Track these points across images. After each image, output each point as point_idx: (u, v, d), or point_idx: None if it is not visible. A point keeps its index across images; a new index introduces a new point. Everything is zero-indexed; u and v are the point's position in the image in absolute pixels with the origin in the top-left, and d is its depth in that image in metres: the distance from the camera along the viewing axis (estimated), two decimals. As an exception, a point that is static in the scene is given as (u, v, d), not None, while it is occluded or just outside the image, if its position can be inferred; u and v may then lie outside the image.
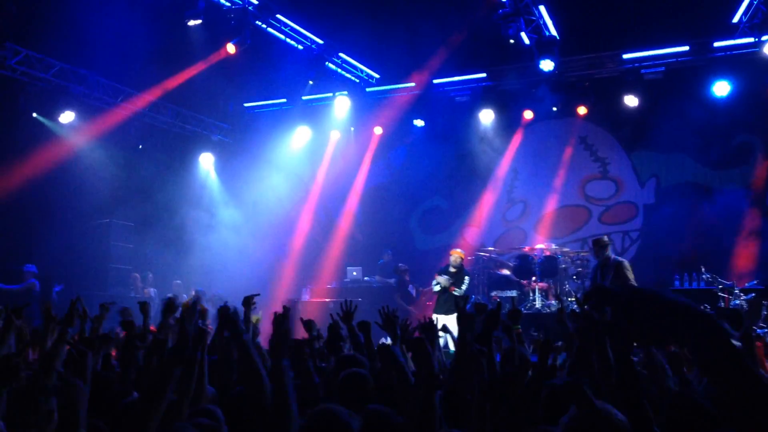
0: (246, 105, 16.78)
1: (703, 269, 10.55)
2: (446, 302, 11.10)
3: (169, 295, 5.76)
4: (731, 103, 12.91)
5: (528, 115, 14.74)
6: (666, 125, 13.32)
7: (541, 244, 13.55)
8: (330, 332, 5.09)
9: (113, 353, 5.25)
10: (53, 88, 13.05)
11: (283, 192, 16.09)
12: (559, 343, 5.58)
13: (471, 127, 15.17)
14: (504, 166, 15.68)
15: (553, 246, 13.45)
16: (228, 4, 13.16)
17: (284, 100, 16.23)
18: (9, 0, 11.09)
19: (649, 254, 13.66)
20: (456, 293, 11.32)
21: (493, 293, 13.12)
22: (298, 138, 16.15)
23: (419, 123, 15.49)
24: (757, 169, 13.51)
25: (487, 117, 14.82)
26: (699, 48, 13.06)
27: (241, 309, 6.12)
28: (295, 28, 14.10)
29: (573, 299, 12.43)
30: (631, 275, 9.25)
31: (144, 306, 5.46)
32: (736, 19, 12.32)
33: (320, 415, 2.63)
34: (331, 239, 16.43)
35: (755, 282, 10.43)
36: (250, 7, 13.20)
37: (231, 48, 13.34)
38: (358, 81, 15.70)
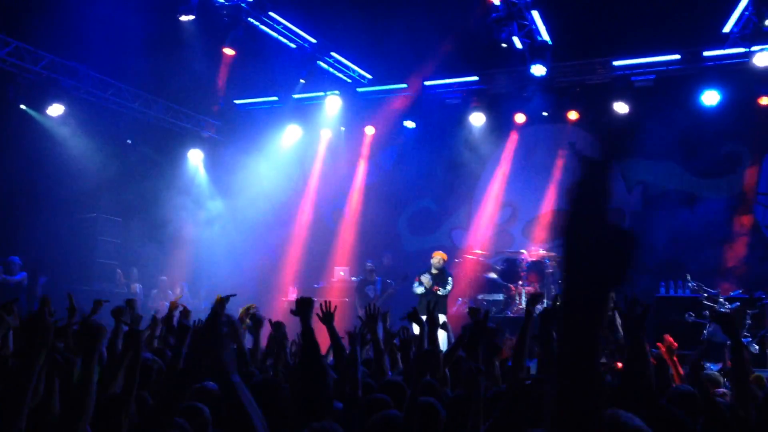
0: (236, 102, 16.72)
1: (688, 277, 10.63)
2: (428, 303, 11.12)
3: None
4: (720, 113, 13.00)
5: (519, 119, 14.78)
6: (654, 133, 13.40)
7: (527, 249, 13.59)
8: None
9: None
10: (43, 80, 12.97)
11: (271, 190, 16.04)
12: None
13: (461, 130, 15.20)
14: (493, 169, 15.73)
15: (541, 250, 13.51)
16: (221, 0, 13.11)
17: (275, 98, 16.20)
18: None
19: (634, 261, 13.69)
20: (440, 293, 11.40)
21: (480, 296, 13.17)
22: (288, 136, 16.11)
23: (410, 124, 15.51)
24: (744, 178, 13.63)
25: (477, 120, 14.86)
26: (689, 57, 13.13)
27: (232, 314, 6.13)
28: (288, 27, 14.06)
29: (558, 303, 12.49)
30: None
31: (131, 303, 5.44)
32: (727, 29, 12.40)
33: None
34: (320, 239, 16.41)
35: (740, 291, 10.51)
36: (243, 4, 13.15)
37: (229, 51, 13.34)
38: (349, 81, 15.69)
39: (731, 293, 10.31)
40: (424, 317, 10.49)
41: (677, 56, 13.22)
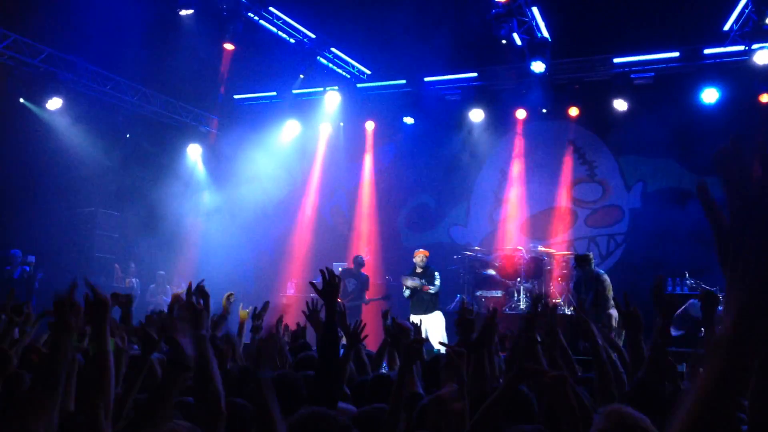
0: (236, 97, 16.69)
1: (686, 275, 10.63)
2: (421, 302, 11.23)
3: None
4: (719, 111, 13.00)
5: (518, 116, 14.77)
6: (654, 130, 13.39)
7: (526, 246, 13.59)
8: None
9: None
10: (41, 73, 12.95)
11: (270, 185, 16.02)
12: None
13: (461, 126, 15.20)
14: (492, 166, 15.74)
15: (539, 247, 13.51)
16: (220, -6, 13.07)
17: (274, 93, 16.17)
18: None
19: (633, 258, 13.73)
20: (431, 290, 11.45)
21: (478, 293, 13.16)
22: (287, 132, 16.09)
23: (409, 120, 15.49)
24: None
25: (476, 116, 14.85)
26: (689, 54, 13.12)
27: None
28: (288, 21, 14.04)
29: (557, 300, 12.52)
30: (609, 291, 10.02)
31: (127, 296, 5.42)
32: (727, 27, 12.40)
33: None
34: (318, 234, 16.40)
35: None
36: (242, -1, 13.14)
37: (229, 46, 13.31)
38: (349, 77, 15.67)
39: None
40: (417, 316, 10.60)
41: (677, 54, 13.21)
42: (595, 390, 3.58)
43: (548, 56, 13.43)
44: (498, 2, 12.05)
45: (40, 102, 13.16)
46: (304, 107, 15.87)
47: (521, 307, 12.45)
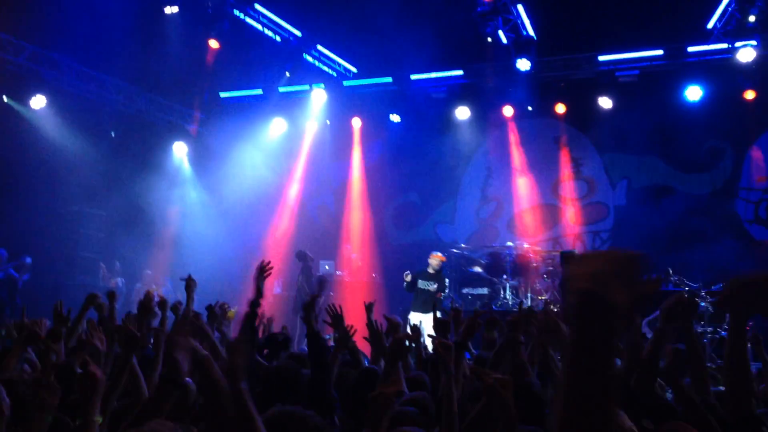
0: (222, 95, 16.61)
1: (670, 271, 10.71)
2: (425, 302, 11.34)
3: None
4: (703, 108, 13.13)
5: (504, 113, 14.80)
6: (639, 128, 13.50)
7: (512, 243, 13.64)
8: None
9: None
10: (25, 72, 12.85)
11: (257, 183, 15.99)
12: None
13: (447, 124, 15.22)
14: (478, 164, 15.79)
15: (525, 244, 13.57)
16: (205, -9, 13.03)
17: (260, 91, 16.10)
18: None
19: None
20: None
21: (465, 290, 13.19)
22: (273, 129, 16.05)
23: (395, 118, 15.49)
24: (726, 173, 13.76)
25: (463, 114, 14.88)
26: (673, 52, 13.20)
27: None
28: (274, 19, 14.01)
29: (542, 298, 12.59)
30: None
31: (111, 295, 5.41)
32: (710, 25, 12.50)
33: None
34: (305, 232, 16.37)
35: (721, 285, 10.60)
36: (228, -4, 13.10)
37: (214, 43, 13.25)
38: (335, 74, 15.65)
39: (713, 287, 10.39)
40: (417, 315, 10.72)
41: (661, 52, 13.28)
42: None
43: (534, 54, 13.49)
44: (483, 0, 12.07)
45: (24, 100, 13.06)
46: (290, 105, 15.82)
47: (508, 303, 12.52)
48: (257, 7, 13.62)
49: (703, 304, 9.76)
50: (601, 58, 13.71)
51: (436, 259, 11.83)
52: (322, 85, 15.33)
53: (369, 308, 6.16)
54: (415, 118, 15.24)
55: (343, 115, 15.85)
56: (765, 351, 5.35)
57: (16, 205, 11.95)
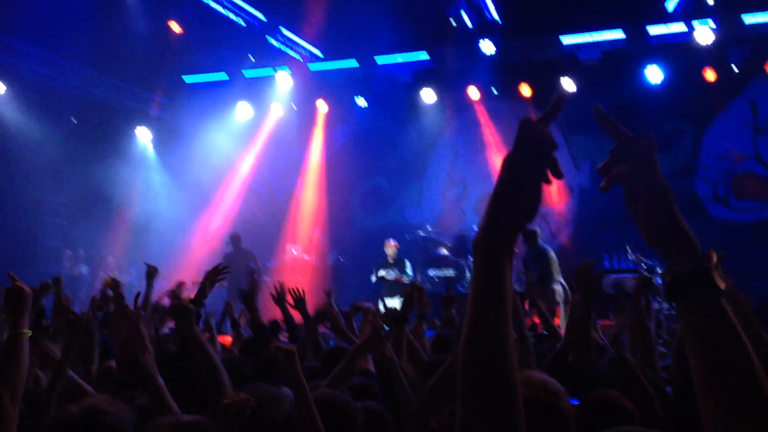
0: (185, 79, 16.44)
1: (628, 249, 10.92)
2: (391, 288, 11.84)
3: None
4: (663, 90, 13.30)
5: (470, 96, 14.86)
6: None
7: (478, 225, 13.75)
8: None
9: None
10: (-19, 58, 12.61)
11: (222, 168, 15.92)
12: None
13: (413, 107, 15.24)
14: (444, 146, 15.87)
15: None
16: (167, -25, 12.87)
17: (225, 76, 15.97)
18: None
19: (582, 236, 14.05)
20: (405, 281, 11.91)
21: (432, 272, 13.30)
22: (238, 114, 15.95)
23: (362, 102, 15.48)
24: (685, 153, 14.01)
25: (429, 97, 14.90)
26: (634, 34, 13.34)
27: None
28: (236, 2, 13.87)
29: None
30: (554, 267, 10.26)
31: (56, 280, 5.38)
32: (671, 8, 12.65)
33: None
34: (271, 217, 16.35)
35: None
36: (189, -21, 12.95)
37: (176, 27, 13.08)
38: (300, 58, 15.57)
39: (668, 264, 10.59)
40: (392, 300, 10.89)
41: (622, 34, 13.42)
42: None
43: (498, 37, 13.56)
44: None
45: (-19, 88, 12.83)
46: (255, 89, 15.71)
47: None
48: (220, -10, 13.47)
49: (659, 279, 9.95)
50: (565, 41, 13.80)
51: (390, 248, 12.43)
52: (288, 69, 15.26)
53: (329, 294, 6.23)
54: (382, 101, 15.24)
55: (309, 98, 15.79)
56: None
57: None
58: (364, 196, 16.50)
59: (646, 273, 9.97)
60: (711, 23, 11.98)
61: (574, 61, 13.77)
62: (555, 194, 14.92)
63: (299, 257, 14.61)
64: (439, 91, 14.84)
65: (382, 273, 12.19)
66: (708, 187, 13.92)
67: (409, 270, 12.40)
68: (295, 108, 16.09)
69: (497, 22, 13.47)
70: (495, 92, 14.73)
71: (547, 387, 2.17)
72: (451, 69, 14.60)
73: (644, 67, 13.27)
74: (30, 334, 2.67)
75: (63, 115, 14.32)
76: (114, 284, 5.61)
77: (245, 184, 16.57)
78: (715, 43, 12.23)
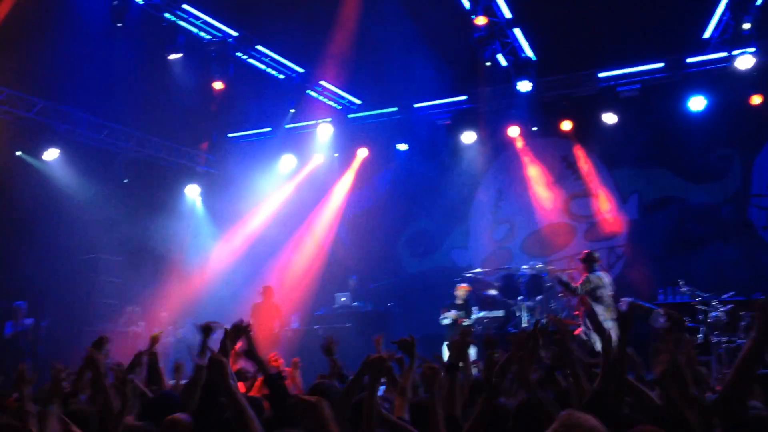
0: (230, 135, 16.89)
1: (680, 282, 10.65)
2: (455, 331, 11.72)
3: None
4: (708, 117, 13.11)
5: (510, 135, 14.88)
6: (645, 141, 13.54)
7: (526, 264, 13.63)
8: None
9: None
10: (36, 126, 13.18)
11: (269, 220, 16.18)
12: None
13: (454, 149, 15.32)
14: (488, 186, 15.84)
15: (539, 264, 13.54)
16: (208, 37, 13.31)
17: (268, 129, 16.36)
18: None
19: (634, 269, 13.75)
20: (465, 323, 12.11)
21: (482, 314, 13.14)
22: (282, 166, 16.24)
23: (402, 147, 15.62)
24: (736, 181, 13.70)
25: (469, 138, 14.96)
26: (673, 64, 13.26)
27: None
28: (275, 58, 14.25)
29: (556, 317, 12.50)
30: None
31: (101, 340, 5.47)
32: (707, 35, 12.54)
33: None
34: (318, 265, 16.47)
35: (733, 293, 10.51)
36: (230, 40, 13.36)
37: (219, 85, 13.50)
38: (339, 107, 15.87)
39: (724, 296, 10.30)
40: None
41: (661, 64, 13.35)
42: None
43: (534, 75, 13.60)
44: (479, 26, 12.21)
45: (38, 154, 13.37)
46: (297, 141, 16.04)
47: (523, 325, 12.48)
48: (259, 47, 13.85)
49: (715, 313, 9.67)
50: (601, 74, 13.81)
51: (461, 290, 12.62)
52: (329, 119, 15.55)
53: (378, 343, 6.20)
54: (422, 145, 15.34)
55: (350, 146, 16.04)
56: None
57: (33, 256, 12.18)
58: (410, 240, 16.52)
59: (701, 306, 9.71)
60: (751, 49, 11.80)
61: (613, 94, 13.71)
62: (606, 228, 14.72)
63: (348, 305, 14.63)
64: (479, 132, 14.89)
65: (447, 314, 12.32)
66: (763, 214, 13.53)
67: (473, 314, 12.57)
68: (337, 156, 16.32)
69: (531, 59, 13.52)
70: (534, 129, 14.71)
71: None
72: (490, 109, 14.68)
73: (685, 95, 13.13)
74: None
75: (115, 176, 14.79)
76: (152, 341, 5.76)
77: (292, 234, 16.76)
78: (756, 67, 12.04)
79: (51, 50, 11.36)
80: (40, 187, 13.12)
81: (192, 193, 16.62)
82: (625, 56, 13.35)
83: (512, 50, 13.27)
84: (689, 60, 13.01)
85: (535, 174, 15.25)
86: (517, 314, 12.91)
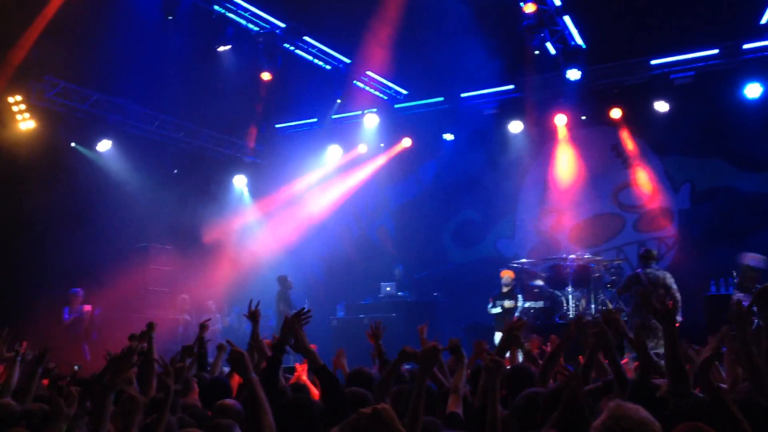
0: (277, 126, 17.05)
1: (734, 274, 10.39)
2: (504, 320, 11.60)
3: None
4: (764, 105, 12.73)
5: (558, 124, 14.68)
6: (698, 129, 13.18)
7: (573, 254, 13.46)
8: None
9: None
10: (91, 118, 13.50)
11: (315, 209, 16.30)
12: None
13: (500, 139, 15.17)
14: (535, 176, 15.66)
15: (587, 255, 13.37)
16: (256, 28, 13.45)
17: (315, 120, 16.47)
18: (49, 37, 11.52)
19: (685, 260, 13.46)
20: (516, 314, 12.02)
21: (528, 304, 13.04)
22: (329, 156, 16.34)
23: (449, 137, 15.54)
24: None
25: (516, 128, 14.81)
26: (728, 51, 12.91)
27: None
28: (322, 49, 14.33)
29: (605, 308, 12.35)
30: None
31: (149, 325, 5.69)
32: (764, 21, 12.17)
33: None
34: (365, 255, 16.55)
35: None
36: (277, 31, 13.48)
37: (266, 75, 13.63)
38: (386, 98, 15.88)
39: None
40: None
41: (716, 51, 13.01)
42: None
43: (583, 63, 13.40)
44: (527, 14, 12.07)
45: (92, 145, 13.68)
46: (344, 131, 16.12)
47: (570, 316, 12.36)
48: (306, 38, 13.93)
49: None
50: (654, 62, 13.51)
51: (506, 276, 12.42)
52: (375, 110, 15.58)
53: (422, 331, 6.19)
54: (469, 135, 15.23)
55: (396, 136, 16.02)
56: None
57: (87, 244, 12.48)
58: (456, 230, 16.45)
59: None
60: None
61: (665, 81, 13.41)
62: (656, 219, 14.44)
63: (393, 294, 14.67)
64: (527, 121, 14.72)
65: (504, 304, 12.17)
66: (820, 205, 13.10)
67: (520, 302, 12.37)
68: (383, 146, 16.34)
69: (581, 47, 13.31)
70: (584, 118, 14.48)
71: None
72: (537, 98, 14.49)
73: (741, 83, 12.76)
74: None
75: (166, 166, 15.06)
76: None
77: (339, 224, 16.86)
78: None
79: (104, 43, 11.60)
80: (94, 178, 13.43)
81: (239, 183, 16.85)
82: (679, 43, 13.04)
83: (561, 38, 13.09)
84: (745, 46, 12.65)
85: (582, 163, 15.02)
86: (564, 305, 12.78)
